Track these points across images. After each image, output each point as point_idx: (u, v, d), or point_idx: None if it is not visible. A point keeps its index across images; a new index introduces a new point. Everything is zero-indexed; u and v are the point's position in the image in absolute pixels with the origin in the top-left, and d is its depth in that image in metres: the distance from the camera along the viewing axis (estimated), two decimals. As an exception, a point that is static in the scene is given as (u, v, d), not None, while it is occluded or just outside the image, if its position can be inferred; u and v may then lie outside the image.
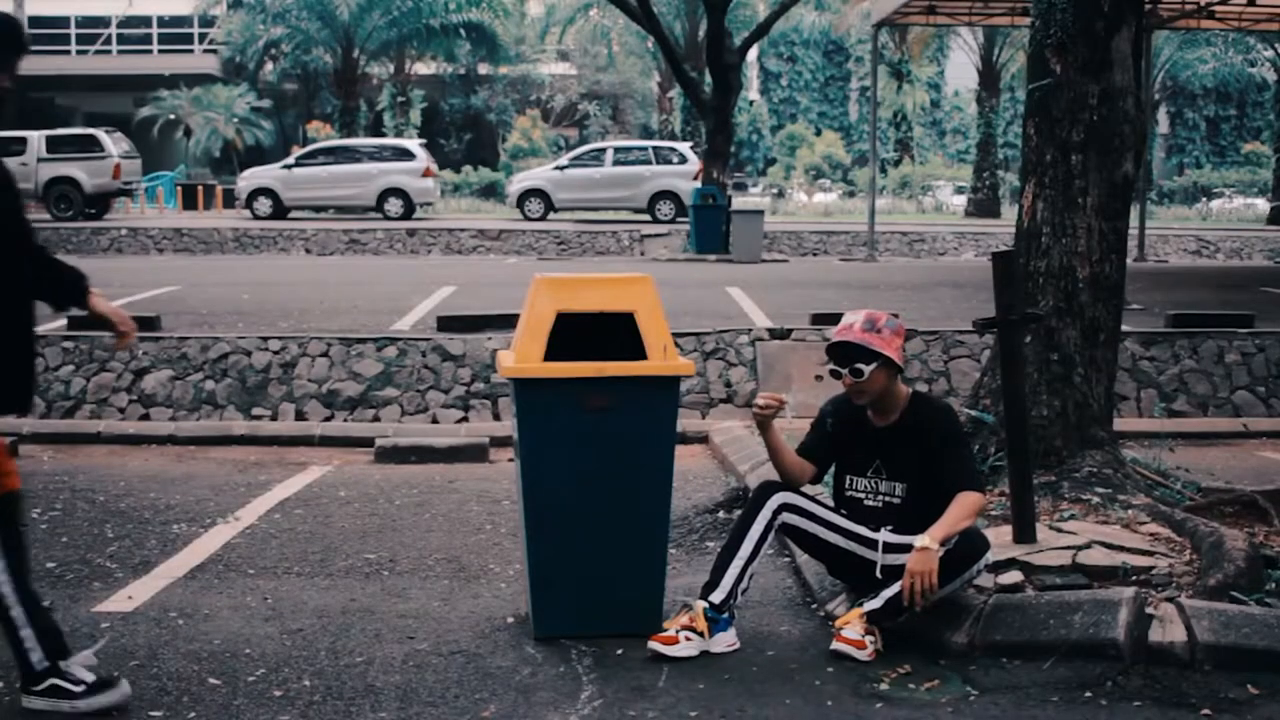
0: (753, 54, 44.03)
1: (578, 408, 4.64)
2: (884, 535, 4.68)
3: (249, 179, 29.10)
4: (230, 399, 9.76)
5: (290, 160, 29.47)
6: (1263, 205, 36.79)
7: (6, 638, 3.99)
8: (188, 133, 42.38)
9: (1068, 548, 5.01)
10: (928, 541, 4.43)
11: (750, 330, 10.49)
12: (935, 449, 4.66)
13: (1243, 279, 18.44)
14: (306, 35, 38.17)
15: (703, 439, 8.99)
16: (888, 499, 4.75)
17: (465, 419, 9.64)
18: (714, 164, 23.85)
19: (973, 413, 6.17)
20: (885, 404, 4.77)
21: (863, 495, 4.80)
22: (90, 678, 4.02)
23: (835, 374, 4.73)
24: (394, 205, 28.04)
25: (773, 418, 4.72)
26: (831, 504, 4.91)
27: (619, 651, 4.59)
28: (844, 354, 4.69)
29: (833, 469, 4.94)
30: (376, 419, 9.60)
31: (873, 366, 4.65)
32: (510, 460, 7.96)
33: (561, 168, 28.97)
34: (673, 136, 38.52)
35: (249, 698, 4.20)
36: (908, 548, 4.51)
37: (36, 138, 27.56)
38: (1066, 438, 5.96)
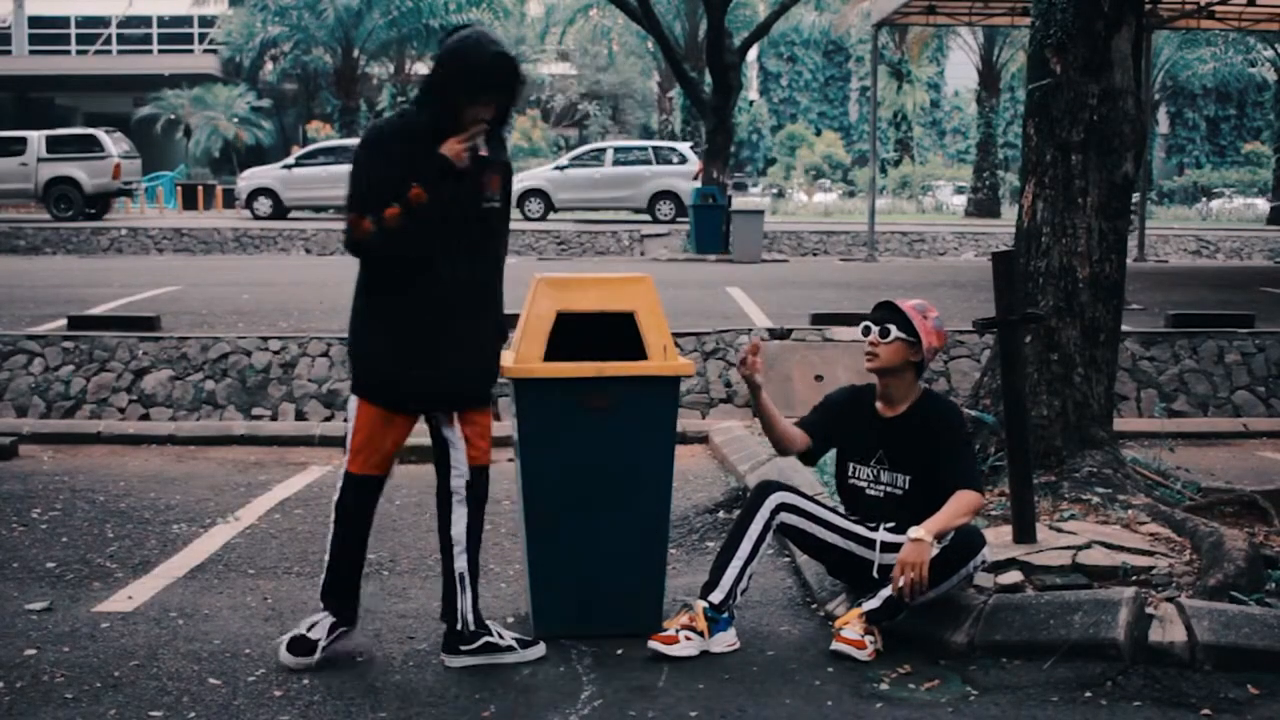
0: (753, 54, 44.05)
1: (577, 408, 4.64)
2: (882, 535, 4.69)
3: (249, 179, 29.11)
4: (230, 399, 9.76)
5: (290, 160, 29.48)
6: (1263, 205, 36.80)
7: None
8: (188, 133, 42.39)
9: (1068, 548, 5.01)
10: (921, 534, 4.44)
11: (750, 330, 10.49)
12: (939, 445, 4.67)
13: (1243, 279, 18.44)
14: (306, 35, 38.19)
15: (703, 439, 8.99)
16: (889, 489, 4.75)
17: (465, 419, 9.63)
18: (714, 164, 23.85)
19: (973, 413, 6.17)
20: (894, 392, 4.78)
21: (864, 484, 4.81)
22: None
23: (865, 330, 4.78)
24: (394, 205, 28.01)
25: (755, 373, 4.70)
26: (830, 504, 4.91)
27: (619, 651, 4.59)
28: (883, 314, 4.77)
29: (836, 456, 4.95)
30: (376, 419, 9.59)
31: (900, 336, 4.70)
32: (510, 460, 7.94)
33: (561, 168, 28.97)
34: (673, 136, 38.53)
35: (249, 698, 4.20)
36: (905, 546, 4.51)
37: (36, 138, 27.55)
38: (1066, 438, 5.96)
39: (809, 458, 5.00)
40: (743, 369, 4.69)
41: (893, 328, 4.72)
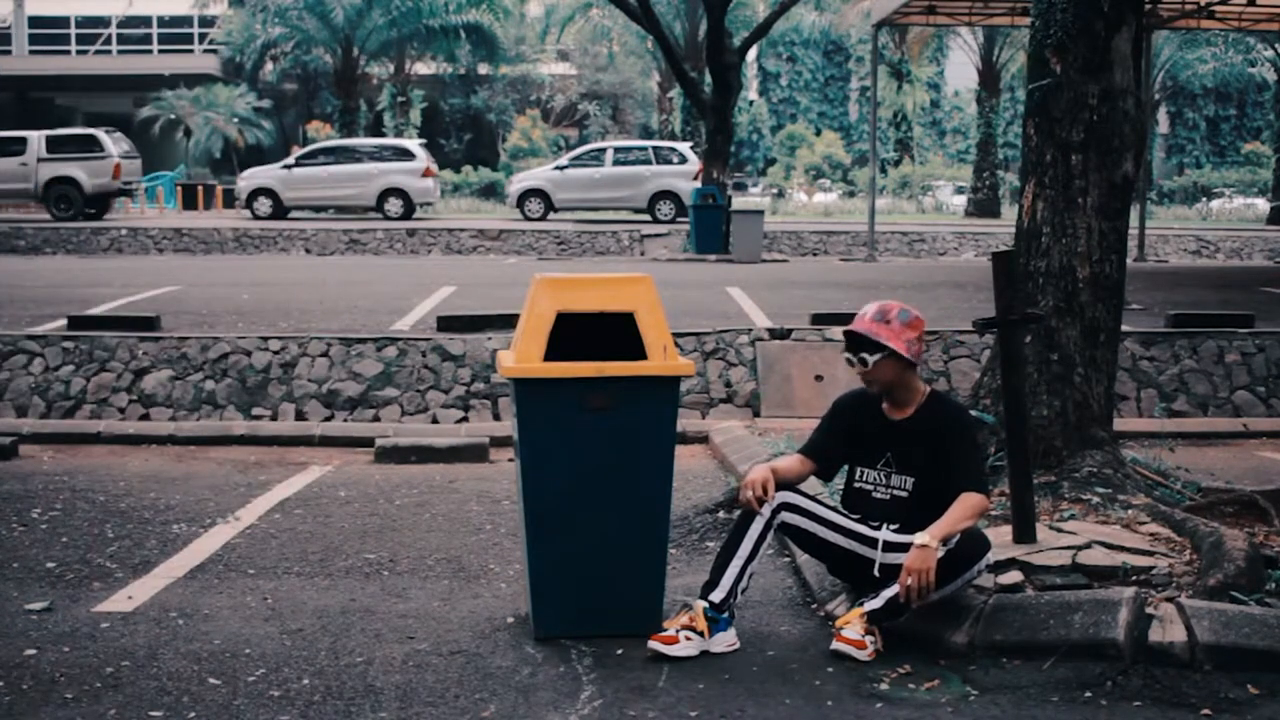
0: (752, 54, 44.05)
1: (578, 408, 4.64)
2: (884, 534, 4.68)
3: (249, 179, 29.09)
4: (230, 399, 9.76)
5: (290, 160, 29.45)
6: (1263, 205, 36.77)
7: None
8: (188, 133, 42.37)
9: (1068, 548, 5.02)
10: (927, 539, 4.43)
11: (750, 330, 10.49)
12: (946, 448, 4.66)
13: (1243, 279, 18.44)
14: (306, 35, 38.17)
15: (703, 439, 8.99)
16: (896, 492, 4.75)
17: (465, 419, 9.64)
18: (714, 164, 23.85)
19: (973, 413, 6.17)
20: (900, 396, 4.77)
21: (871, 487, 4.80)
22: None
23: (850, 362, 4.77)
24: (394, 205, 28.04)
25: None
26: (831, 503, 4.91)
27: (619, 651, 4.59)
28: (854, 343, 4.75)
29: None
30: (376, 419, 9.60)
31: (877, 357, 4.68)
32: (510, 460, 7.96)
33: (561, 168, 28.96)
34: (673, 136, 38.50)
35: (249, 698, 4.20)
36: (907, 547, 4.51)
37: (36, 138, 27.52)
38: (1066, 438, 5.97)
39: (824, 476, 5.01)
40: (753, 504, 4.66)
41: (865, 355, 4.70)
